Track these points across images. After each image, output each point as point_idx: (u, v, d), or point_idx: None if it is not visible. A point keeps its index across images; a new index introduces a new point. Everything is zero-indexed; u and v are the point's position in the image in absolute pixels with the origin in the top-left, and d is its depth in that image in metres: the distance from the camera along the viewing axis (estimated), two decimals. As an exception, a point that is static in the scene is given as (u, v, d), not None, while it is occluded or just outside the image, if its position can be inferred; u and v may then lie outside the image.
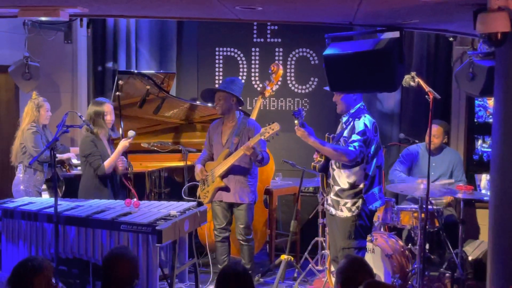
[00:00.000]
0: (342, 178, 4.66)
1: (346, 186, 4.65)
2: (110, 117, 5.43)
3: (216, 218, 5.70)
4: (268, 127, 5.20)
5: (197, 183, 5.85)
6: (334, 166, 4.73)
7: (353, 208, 4.62)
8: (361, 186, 4.62)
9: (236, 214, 5.65)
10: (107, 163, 5.27)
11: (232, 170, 5.56)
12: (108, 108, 5.43)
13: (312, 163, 4.84)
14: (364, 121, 4.61)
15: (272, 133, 5.19)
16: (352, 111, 4.72)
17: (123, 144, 5.35)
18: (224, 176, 5.57)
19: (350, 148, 4.53)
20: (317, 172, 4.94)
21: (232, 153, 5.50)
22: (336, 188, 4.69)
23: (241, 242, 5.69)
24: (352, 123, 4.64)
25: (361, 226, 4.66)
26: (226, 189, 5.59)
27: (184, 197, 6.02)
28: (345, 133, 4.65)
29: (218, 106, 5.64)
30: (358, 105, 4.73)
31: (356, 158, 4.54)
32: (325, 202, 4.96)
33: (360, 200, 4.62)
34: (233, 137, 5.57)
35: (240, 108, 5.73)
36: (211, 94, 5.75)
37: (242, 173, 5.58)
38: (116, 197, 5.34)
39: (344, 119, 4.76)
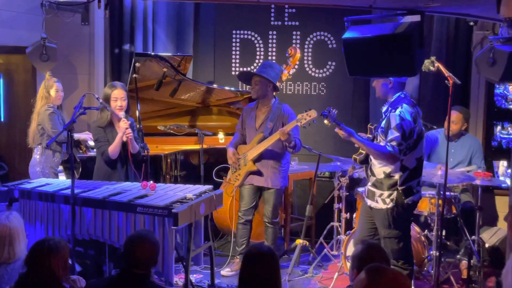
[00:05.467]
0: (378, 168, 4.50)
1: (381, 176, 4.48)
2: (118, 103, 5.13)
3: (243, 199, 5.77)
4: (305, 114, 5.22)
5: (228, 165, 5.89)
6: (371, 156, 4.63)
7: (387, 201, 4.44)
8: (396, 177, 4.43)
9: (266, 196, 5.72)
10: (110, 147, 5.11)
11: (265, 155, 5.60)
12: (116, 93, 5.15)
13: (353, 155, 4.71)
14: (400, 113, 4.36)
15: (309, 119, 5.21)
16: (391, 100, 4.51)
17: (120, 126, 5.13)
18: (256, 160, 5.62)
19: (389, 149, 4.32)
20: (358, 164, 4.83)
21: (267, 138, 5.51)
22: (373, 178, 4.56)
23: (266, 224, 5.77)
24: (389, 114, 4.44)
25: (399, 217, 4.47)
26: (258, 173, 5.64)
27: (215, 179, 6.10)
28: (383, 124, 4.47)
29: (253, 90, 5.67)
30: (398, 94, 4.50)
31: (396, 159, 4.34)
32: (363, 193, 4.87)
33: (395, 193, 4.43)
34: (268, 122, 5.60)
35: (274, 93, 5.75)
36: (247, 76, 5.76)
37: (275, 158, 5.62)
38: (127, 180, 5.28)
39: (384, 108, 4.57)
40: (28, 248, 3.32)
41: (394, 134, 4.34)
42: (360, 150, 4.66)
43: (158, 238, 4.24)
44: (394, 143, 4.33)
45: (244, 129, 5.82)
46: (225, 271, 5.79)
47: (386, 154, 4.36)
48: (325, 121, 4.49)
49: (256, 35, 7.42)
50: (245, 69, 7.41)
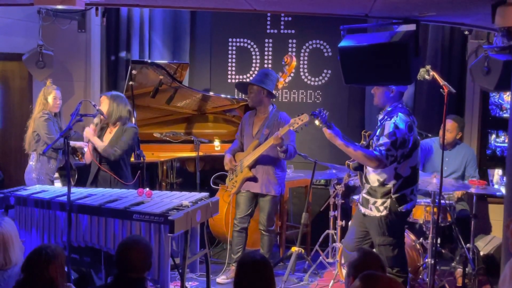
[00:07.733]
0: (372, 176, 4.51)
1: (375, 183, 4.49)
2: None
3: (239, 207, 5.77)
4: (297, 118, 5.23)
5: (225, 172, 5.90)
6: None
7: (381, 208, 4.45)
8: (390, 185, 4.44)
9: (261, 204, 5.72)
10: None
11: (261, 161, 5.61)
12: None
13: (346, 161, 4.69)
14: (395, 121, 4.36)
15: (301, 124, 5.21)
16: (388, 109, 4.51)
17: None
18: (252, 166, 5.63)
19: (375, 152, 4.32)
20: (351, 170, 4.81)
21: (262, 144, 5.54)
22: (367, 186, 4.57)
23: (262, 232, 5.77)
24: (384, 123, 4.44)
25: (393, 224, 4.48)
26: (254, 179, 5.65)
27: (212, 186, 6.11)
28: (378, 132, 4.49)
29: (249, 98, 5.72)
30: (396, 103, 4.50)
31: (382, 163, 4.32)
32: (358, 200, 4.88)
33: (389, 201, 4.43)
34: (264, 129, 5.61)
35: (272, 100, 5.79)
36: (245, 86, 5.81)
37: (270, 164, 5.63)
38: (98, 182, 5.39)
39: (380, 116, 4.57)
40: (25, 255, 3.30)
41: (384, 140, 4.35)
42: None
43: (154, 245, 4.26)
44: (382, 148, 4.33)
45: (243, 137, 5.84)
46: (221, 279, 5.78)
47: (372, 157, 4.34)
48: (316, 122, 4.49)
49: (252, 43, 7.44)
50: (241, 76, 7.43)
